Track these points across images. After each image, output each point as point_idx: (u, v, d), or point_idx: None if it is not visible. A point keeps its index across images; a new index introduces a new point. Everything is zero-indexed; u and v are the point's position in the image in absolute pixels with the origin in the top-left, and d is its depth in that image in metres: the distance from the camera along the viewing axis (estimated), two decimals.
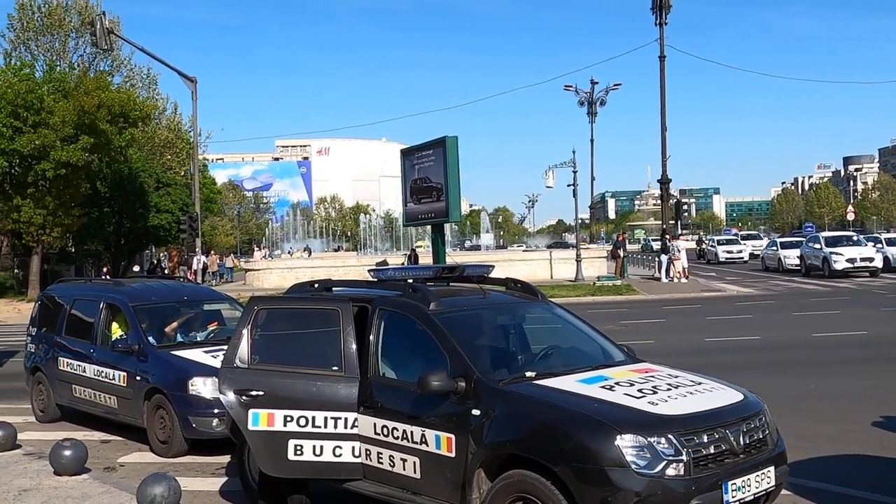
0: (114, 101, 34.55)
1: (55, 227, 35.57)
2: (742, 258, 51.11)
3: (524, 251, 60.43)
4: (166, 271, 44.10)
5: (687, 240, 49.61)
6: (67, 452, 8.04)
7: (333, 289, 7.45)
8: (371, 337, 6.55)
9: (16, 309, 33.14)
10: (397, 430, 6.14)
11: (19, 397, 12.90)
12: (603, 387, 5.73)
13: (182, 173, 48.71)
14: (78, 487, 7.66)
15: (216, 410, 8.93)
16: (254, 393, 6.56)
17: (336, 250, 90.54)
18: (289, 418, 6.46)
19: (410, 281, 7.01)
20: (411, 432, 6.04)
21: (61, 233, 37.20)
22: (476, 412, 5.67)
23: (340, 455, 6.43)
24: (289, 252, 70.35)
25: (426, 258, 35.52)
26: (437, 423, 5.90)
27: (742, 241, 56.47)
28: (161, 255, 54.75)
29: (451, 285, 7.44)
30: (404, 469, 6.12)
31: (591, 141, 55.67)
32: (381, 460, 6.28)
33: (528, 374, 6.01)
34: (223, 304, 11.36)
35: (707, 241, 61.57)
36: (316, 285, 7.58)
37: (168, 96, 57.18)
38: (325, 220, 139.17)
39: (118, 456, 9.45)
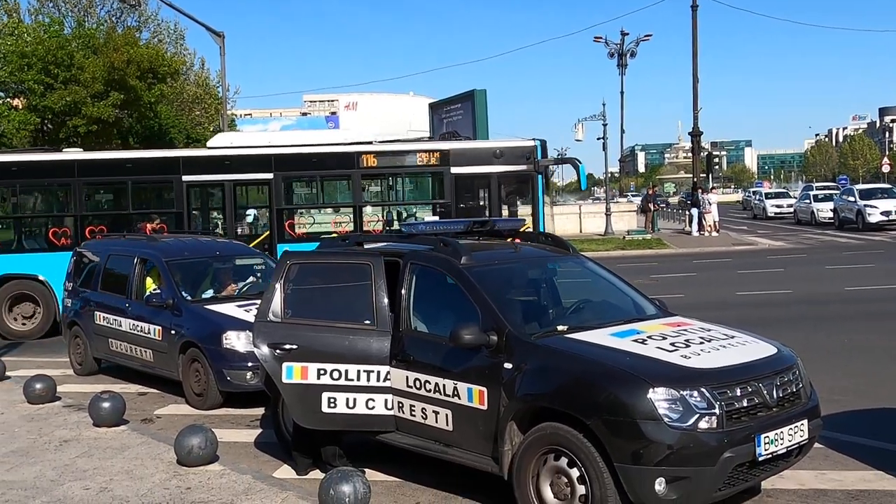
0: (143, 57, 34.52)
1: None
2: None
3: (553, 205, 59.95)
4: None
5: (719, 193, 48.14)
6: (106, 405, 8.20)
7: (364, 244, 7.49)
8: (403, 291, 6.57)
9: None
10: (429, 384, 6.19)
11: (56, 350, 13.17)
12: (635, 340, 5.73)
13: (211, 129, 48.77)
14: (117, 438, 7.83)
15: (250, 364, 9.05)
16: (287, 346, 6.63)
17: None
18: (322, 371, 6.53)
19: (441, 235, 7.01)
20: (443, 385, 6.08)
21: None
22: (508, 365, 5.70)
23: (373, 407, 6.50)
24: None
25: None
26: (469, 376, 5.93)
27: (793, 195, 49.94)
28: None
29: (482, 240, 7.43)
30: (437, 421, 6.17)
31: (622, 93, 54.69)
32: (413, 413, 6.35)
33: (560, 327, 6.01)
34: (255, 259, 11.44)
35: (752, 195, 56.09)
36: (347, 240, 7.62)
37: (195, 52, 56.99)
38: None
39: (155, 408, 9.63)
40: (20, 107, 35.26)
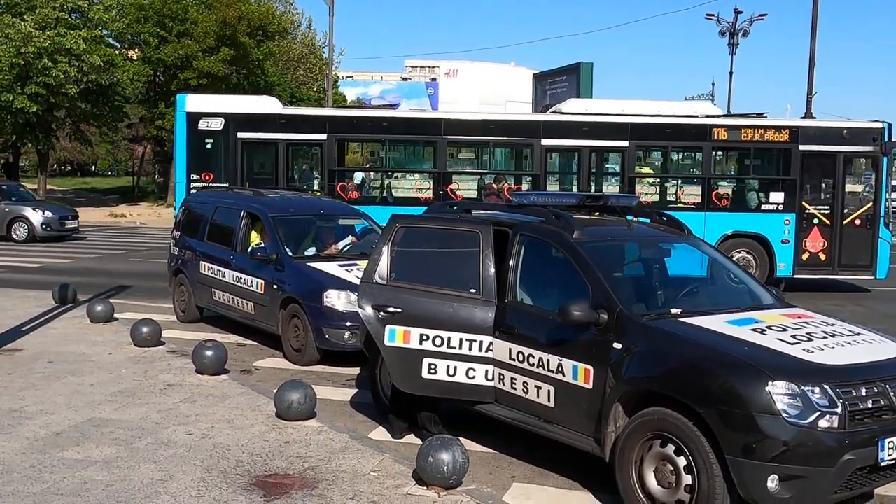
0: (254, 14, 35.19)
1: None
2: None
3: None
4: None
5: None
6: (209, 353, 8.37)
7: (472, 211, 7.39)
8: (510, 262, 6.47)
9: (156, 213, 34.80)
10: (533, 358, 6.08)
11: (160, 296, 13.57)
12: (754, 329, 5.48)
13: (315, 89, 49.42)
14: (218, 387, 7.99)
15: (348, 324, 9.12)
16: (391, 309, 6.61)
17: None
18: (424, 337, 6.49)
19: (552, 208, 6.85)
20: (547, 360, 5.96)
21: None
22: (617, 346, 5.54)
23: (473, 377, 6.44)
24: None
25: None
26: (575, 353, 5.80)
27: None
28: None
29: (594, 214, 7.24)
30: (538, 397, 6.07)
31: (731, 74, 53.13)
32: (514, 386, 6.26)
33: (674, 310, 5.81)
34: (357, 220, 11.47)
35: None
36: (455, 206, 7.53)
37: (303, 11, 57.81)
38: None
39: (253, 360, 9.80)
40: (135, 58, 36.34)
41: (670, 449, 5.18)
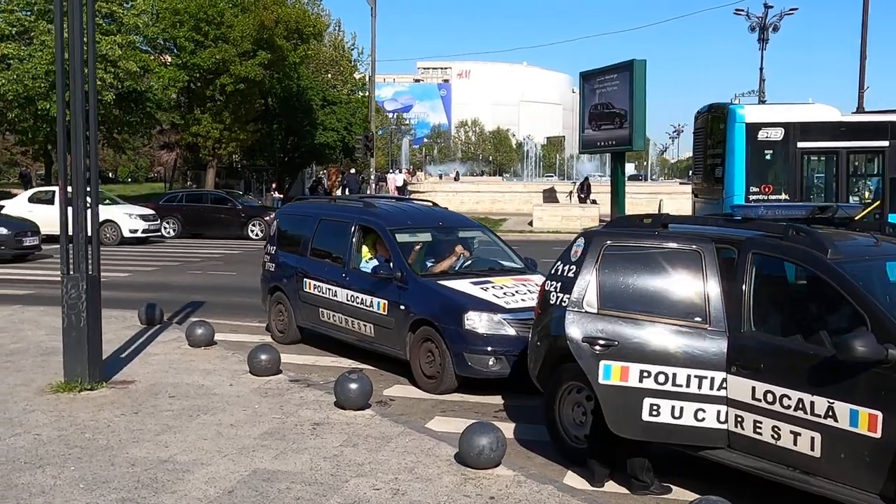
0: (290, 17, 34.41)
1: (230, 142, 36.04)
2: None
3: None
4: (326, 189, 44.32)
5: None
6: (354, 386, 7.51)
7: (669, 225, 6.52)
8: (743, 285, 5.61)
9: None
10: (788, 399, 5.21)
11: (239, 313, 12.80)
12: None
13: (345, 91, 48.59)
14: (370, 425, 7.11)
15: (490, 348, 8.28)
16: (605, 342, 5.74)
17: (480, 174, 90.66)
18: (645, 374, 5.64)
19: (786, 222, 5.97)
20: (811, 403, 5.10)
21: (235, 147, 37.74)
22: None
23: (703, 419, 5.60)
24: (439, 175, 70.19)
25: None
26: (853, 395, 4.94)
27: None
28: (321, 173, 55.23)
29: (814, 227, 6.35)
30: (795, 444, 5.21)
31: (761, 69, 52.22)
32: (758, 430, 5.40)
33: None
34: (476, 232, 10.53)
35: None
36: (649, 219, 6.67)
37: (330, 13, 57.04)
38: (464, 144, 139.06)
39: (380, 388, 8.89)
40: (168, 63, 35.58)
41: None
